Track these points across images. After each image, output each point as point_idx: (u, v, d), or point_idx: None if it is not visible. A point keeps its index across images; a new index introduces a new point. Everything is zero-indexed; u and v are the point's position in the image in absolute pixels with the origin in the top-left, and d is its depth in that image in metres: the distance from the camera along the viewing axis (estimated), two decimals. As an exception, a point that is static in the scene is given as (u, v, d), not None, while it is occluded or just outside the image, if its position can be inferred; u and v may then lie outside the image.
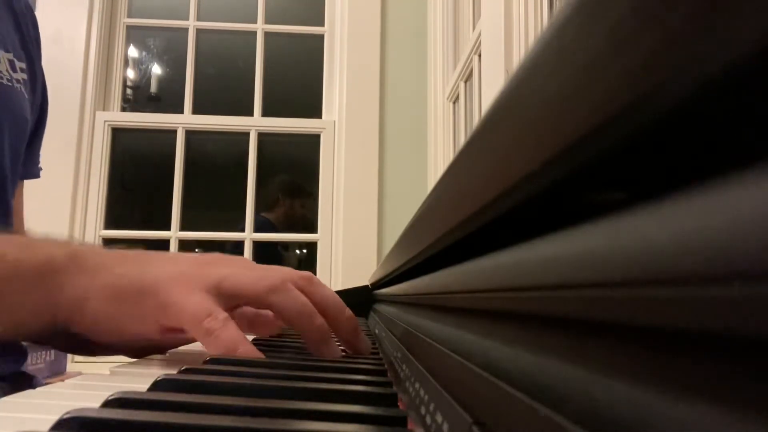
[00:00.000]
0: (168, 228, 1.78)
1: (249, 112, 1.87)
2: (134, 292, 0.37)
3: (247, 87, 1.89)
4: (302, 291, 0.40)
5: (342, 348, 0.43)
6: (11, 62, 0.57)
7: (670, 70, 0.06)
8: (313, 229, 1.82)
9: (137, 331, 0.38)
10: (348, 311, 0.43)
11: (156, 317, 0.37)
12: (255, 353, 0.36)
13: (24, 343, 0.57)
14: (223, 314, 0.36)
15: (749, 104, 0.06)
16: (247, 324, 0.49)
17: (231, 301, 0.39)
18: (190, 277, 0.38)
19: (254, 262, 0.43)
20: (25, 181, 0.68)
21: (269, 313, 0.58)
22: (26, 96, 0.60)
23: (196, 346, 0.54)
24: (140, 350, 0.45)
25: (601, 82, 0.08)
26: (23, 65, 0.60)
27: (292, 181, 1.97)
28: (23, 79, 0.59)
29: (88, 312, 0.37)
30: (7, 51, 0.57)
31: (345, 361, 0.39)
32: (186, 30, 1.93)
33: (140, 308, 0.37)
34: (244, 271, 0.39)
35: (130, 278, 0.38)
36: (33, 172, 0.68)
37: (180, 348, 0.53)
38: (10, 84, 0.56)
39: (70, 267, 0.38)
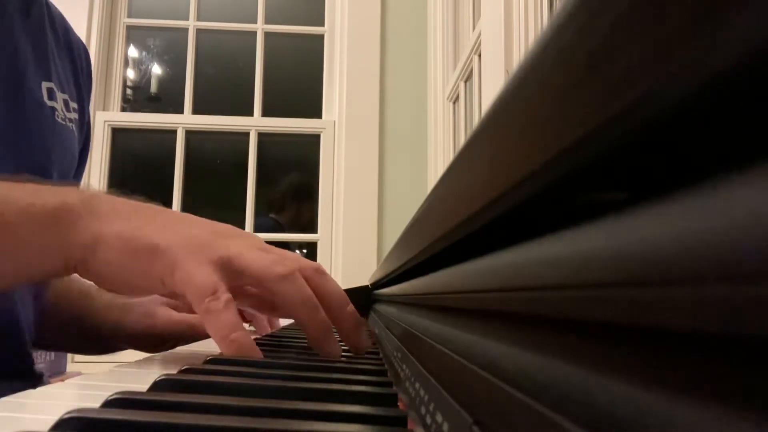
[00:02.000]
0: (168, 228, 1.78)
1: (249, 112, 1.87)
2: (146, 249, 0.37)
3: (247, 87, 1.89)
4: (310, 281, 0.40)
5: (342, 344, 0.44)
6: (66, 102, 0.60)
7: (670, 70, 0.06)
8: (313, 229, 1.82)
9: (142, 285, 0.39)
10: (351, 307, 0.43)
11: (162, 277, 0.37)
12: (248, 341, 0.36)
13: (39, 371, 0.58)
14: (226, 295, 0.36)
15: (749, 104, 0.06)
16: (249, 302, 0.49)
17: (238, 278, 0.39)
18: (203, 246, 0.38)
19: (266, 244, 0.43)
20: None
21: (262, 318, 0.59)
22: (76, 135, 0.63)
23: (196, 346, 0.54)
24: (149, 346, 0.45)
25: (601, 82, 0.08)
26: (75, 105, 0.63)
27: (303, 183, 1.95)
28: (74, 119, 0.62)
29: (98, 258, 0.37)
30: (63, 92, 0.60)
31: (345, 361, 0.39)
32: (186, 30, 1.93)
33: (149, 266, 0.37)
34: (257, 252, 0.39)
35: (143, 233, 0.38)
36: None
37: (180, 348, 0.53)
38: (64, 123, 0.59)
39: (84, 211, 0.38)
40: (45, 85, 0.57)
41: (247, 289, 0.44)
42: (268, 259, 0.39)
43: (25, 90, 0.54)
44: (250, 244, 0.40)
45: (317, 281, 0.41)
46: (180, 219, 0.41)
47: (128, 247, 0.37)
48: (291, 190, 1.92)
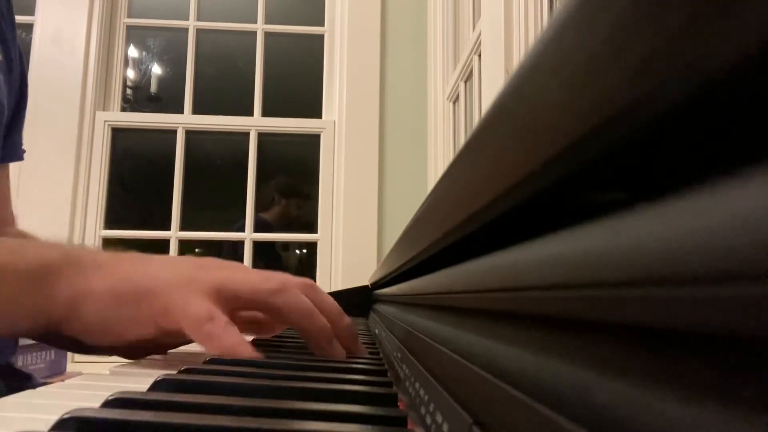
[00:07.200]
0: (168, 228, 1.78)
1: (249, 112, 1.87)
2: (132, 295, 0.36)
3: (247, 87, 1.89)
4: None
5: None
6: None
7: (669, 70, 0.06)
8: (313, 229, 1.82)
9: (135, 333, 0.37)
10: (347, 319, 0.43)
11: (155, 320, 0.37)
12: (255, 356, 0.36)
13: (27, 371, 0.57)
14: (224, 318, 0.36)
15: (749, 104, 0.06)
16: (248, 326, 0.49)
17: (231, 303, 0.38)
18: (189, 280, 0.37)
19: (251, 269, 0.43)
20: (23, 179, 0.68)
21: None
22: (0, 78, 0.59)
23: (196, 346, 0.54)
24: (138, 351, 0.44)
25: (601, 82, 0.08)
26: None
27: (289, 182, 1.97)
28: None
29: (83, 315, 0.36)
30: None
31: (345, 361, 0.39)
32: (186, 30, 1.92)
33: (138, 311, 0.36)
34: (244, 274, 0.39)
35: (128, 280, 0.37)
36: (16, 155, 0.67)
37: (180, 348, 0.53)
38: None
39: (65, 268, 0.37)
40: None
41: (238, 316, 0.43)
42: (258, 278, 0.38)
43: None
44: (237, 270, 0.40)
45: (311, 296, 0.41)
46: (162, 261, 0.40)
47: (114, 296, 0.36)
48: (277, 187, 1.92)
